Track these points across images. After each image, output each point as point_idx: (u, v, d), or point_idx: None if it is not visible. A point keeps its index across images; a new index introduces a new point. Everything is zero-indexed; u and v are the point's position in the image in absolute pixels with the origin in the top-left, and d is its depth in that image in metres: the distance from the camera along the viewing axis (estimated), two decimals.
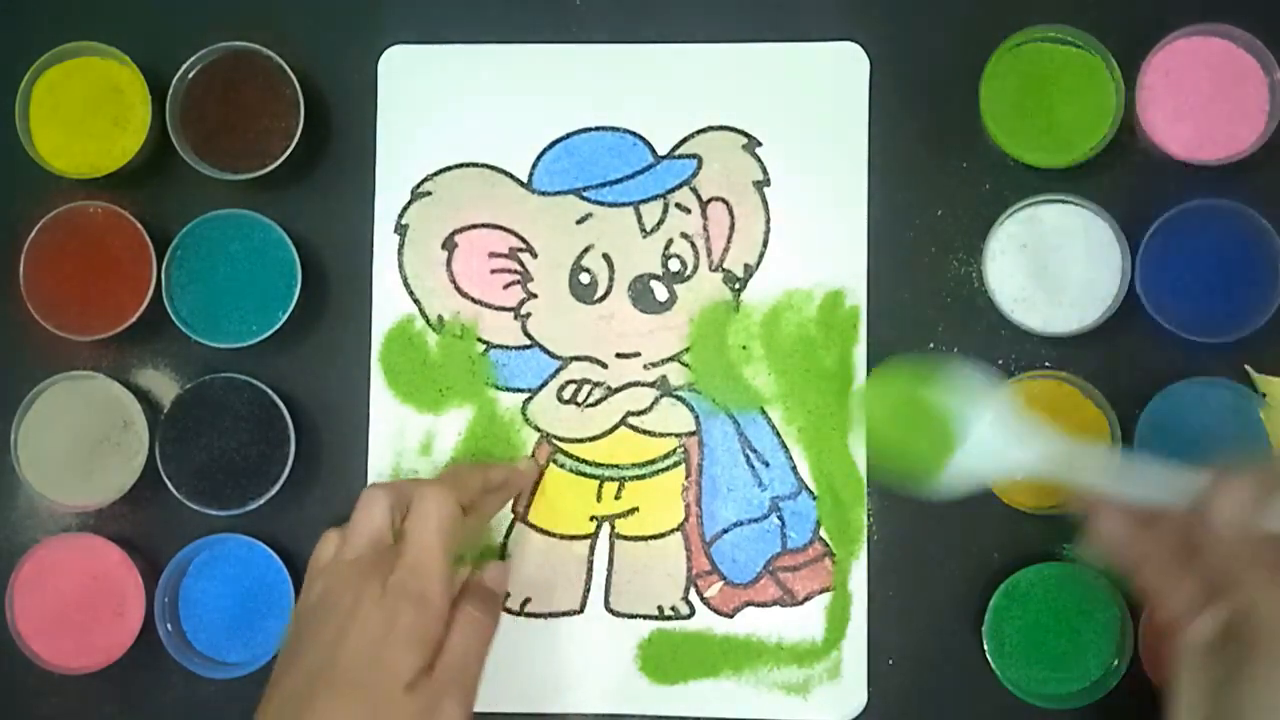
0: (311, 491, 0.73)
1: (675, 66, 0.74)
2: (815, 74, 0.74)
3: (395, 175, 0.75)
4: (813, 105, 0.74)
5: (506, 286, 0.74)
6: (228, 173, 0.72)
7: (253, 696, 0.58)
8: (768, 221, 0.73)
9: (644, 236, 0.74)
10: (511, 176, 0.74)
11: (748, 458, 0.72)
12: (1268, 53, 0.69)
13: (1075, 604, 0.69)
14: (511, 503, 0.73)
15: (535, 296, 0.74)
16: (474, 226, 0.74)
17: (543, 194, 0.74)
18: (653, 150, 0.74)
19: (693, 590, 0.72)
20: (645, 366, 0.73)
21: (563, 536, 0.73)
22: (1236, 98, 0.70)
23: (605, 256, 0.74)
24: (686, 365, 0.73)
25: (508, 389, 0.73)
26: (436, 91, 0.75)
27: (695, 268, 0.73)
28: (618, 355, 0.73)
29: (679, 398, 0.73)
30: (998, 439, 0.59)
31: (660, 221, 0.74)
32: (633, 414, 0.73)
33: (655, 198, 0.74)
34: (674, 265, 0.73)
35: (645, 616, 0.72)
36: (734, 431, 0.73)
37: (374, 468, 0.73)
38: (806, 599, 0.72)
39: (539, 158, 0.74)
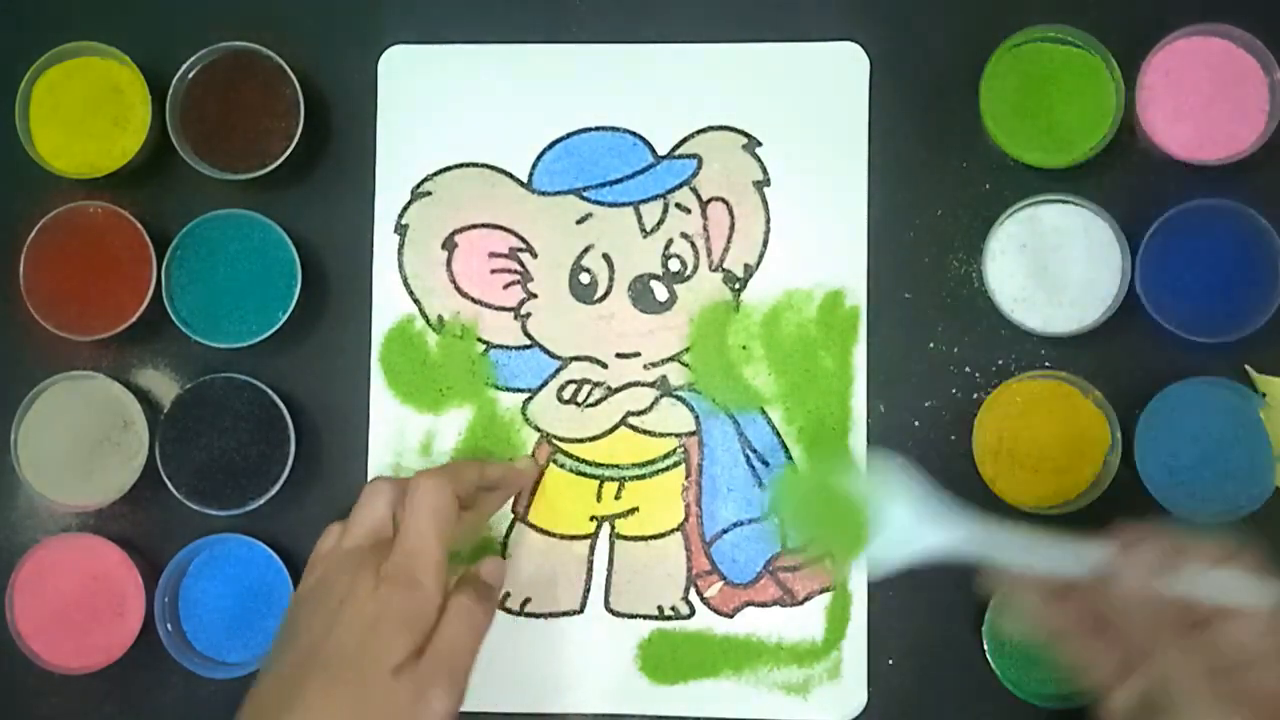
0: (311, 491, 0.73)
1: (675, 66, 0.74)
2: (815, 74, 0.74)
3: (395, 175, 0.75)
4: (813, 105, 0.74)
5: (506, 286, 0.74)
6: (228, 173, 0.72)
7: None
8: (768, 221, 0.73)
9: (644, 236, 0.74)
10: (511, 176, 0.74)
11: (748, 458, 0.72)
12: (1268, 53, 0.69)
13: None
14: (511, 503, 0.73)
15: (535, 296, 0.74)
16: (474, 226, 0.74)
17: (543, 194, 0.74)
18: (653, 150, 0.74)
19: (693, 590, 0.72)
20: (645, 366, 0.73)
21: (563, 536, 0.73)
22: (1236, 98, 0.70)
23: (605, 256, 0.74)
24: (686, 365, 0.73)
25: (508, 389, 0.73)
26: (436, 91, 0.75)
27: (695, 268, 0.73)
28: (618, 355, 0.73)
29: (679, 398, 0.73)
30: (911, 523, 0.60)
31: (660, 221, 0.74)
32: (633, 414, 0.73)
33: (655, 198, 0.74)
34: (674, 265, 0.73)
35: (645, 616, 0.72)
36: (734, 431, 0.73)
37: (374, 468, 0.73)
38: (806, 599, 0.72)
39: (539, 158, 0.74)
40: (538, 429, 0.73)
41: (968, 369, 0.72)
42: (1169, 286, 0.69)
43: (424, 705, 0.56)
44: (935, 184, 0.73)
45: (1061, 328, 0.70)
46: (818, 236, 0.73)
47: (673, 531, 0.72)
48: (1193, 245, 0.69)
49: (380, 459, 0.73)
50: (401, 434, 0.73)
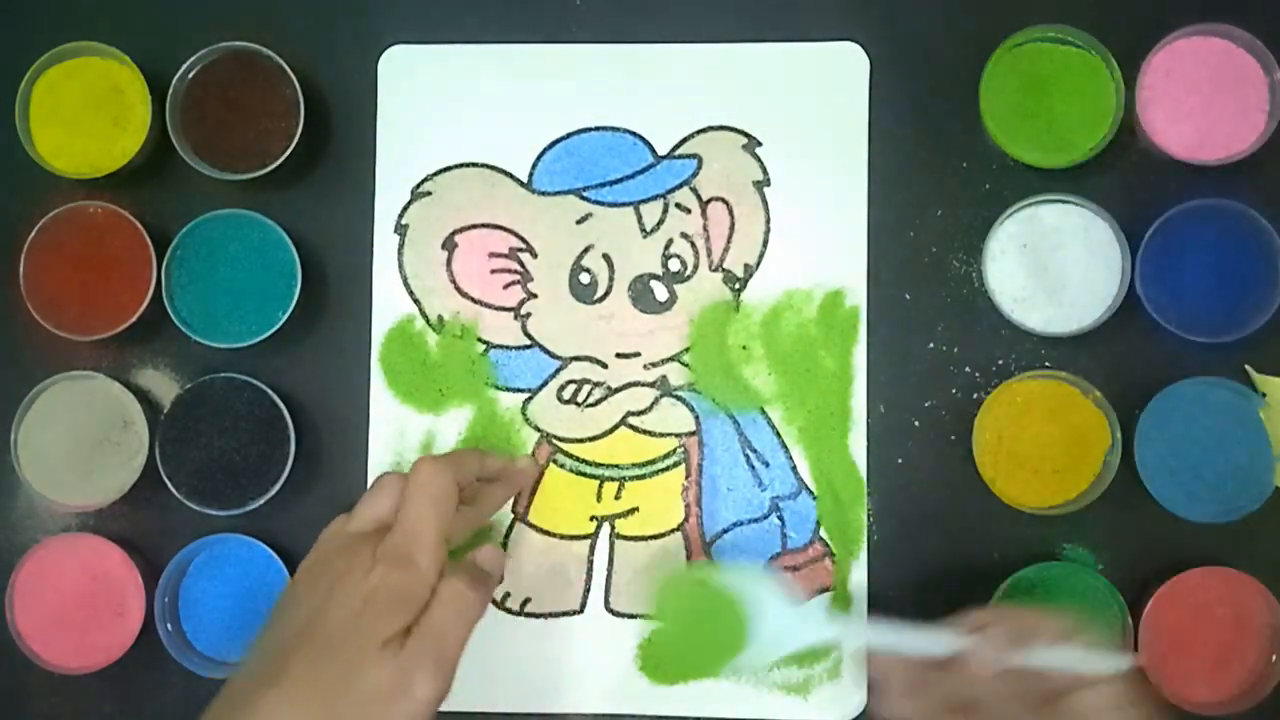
0: (311, 491, 0.73)
1: (675, 66, 0.74)
2: (815, 74, 0.74)
3: (395, 175, 0.75)
4: (813, 105, 0.74)
5: (506, 286, 0.74)
6: (228, 173, 0.72)
7: None
8: (768, 221, 0.73)
9: (644, 236, 0.74)
10: (511, 176, 0.74)
11: (748, 458, 0.72)
12: (1268, 53, 0.69)
13: (1075, 604, 0.69)
14: (511, 503, 0.73)
15: (535, 296, 0.74)
16: (474, 226, 0.74)
17: (543, 194, 0.74)
18: (653, 150, 0.74)
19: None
20: (645, 366, 0.73)
21: (563, 536, 0.73)
22: (1236, 98, 0.70)
23: (605, 256, 0.74)
24: (686, 365, 0.73)
25: (508, 389, 0.73)
26: (436, 91, 0.75)
27: (695, 268, 0.73)
28: (618, 355, 0.73)
29: (679, 398, 0.73)
30: (788, 619, 0.63)
31: (660, 221, 0.74)
32: (633, 414, 0.73)
33: (655, 198, 0.74)
34: (674, 265, 0.73)
35: (645, 616, 0.72)
36: (734, 431, 0.73)
37: (374, 468, 0.73)
38: (806, 599, 0.72)
39: (539, 158, 0.74)
40: (538, 429, 0.73)
41: (968, 369, 0.72)
42: (1169, 286, 0.69)
43: (407, 688, 0.56)
44: (935, 184, 0.73)
45: (1061, 328, 0.70)
46: (818, 236, 0.73)
47: (673, 531, 0.72)
48: (1193, 245, 0.69)
49: (380, 459, 0.73)
50: (401, 434, 0.73)
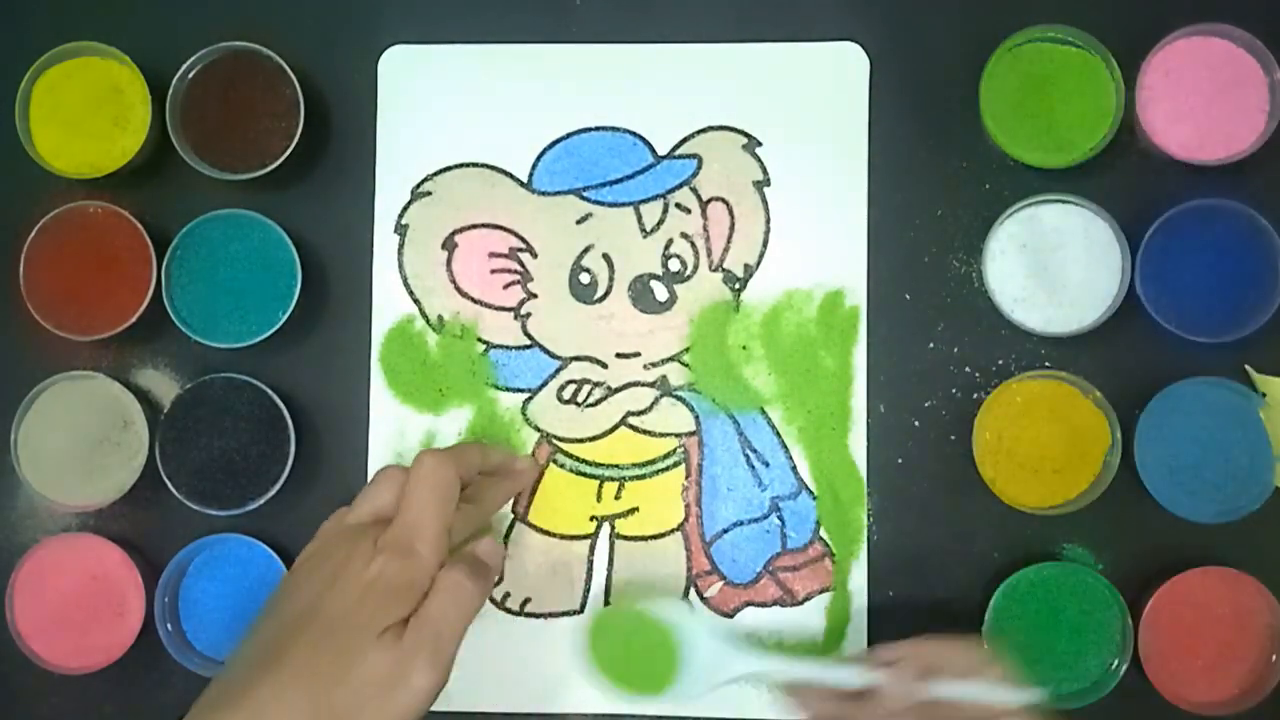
0: (311, 491, 0.73)
1: (675, 66, 0.74)
2: (815, 74, 0.74)
3: (395, 175, 0.75)
4: (813, 105, 0.74)
5: (506, 286, 0.74)
6: (228, 173, 0.72)
7: None
8: (768, 221, 0.73)
9: (644, 236, 0.74)
10: (511, 176, 0.74)
11: (748, 458, 0.72)
12: (1268, 53, 0.69)
13: (1075, 604, 0.69)
14: (511, 503, 0.73)
15: (535, 296, 0.74)
16: (474, 226, 0.74)
17: (543, 194, 0.74)
18: (653, 150, 0.74)
19: (693, 590, 0.72)
20: (645, 366, 0.73)
21: (563, 536, 0.73)
22: (1236, 98, 0.70)
23: (605, 256, 0.74)
24: (686, 365, 0.73)
25: (508, 389, 0.73)
26: (436, 91, 0.75)
27: (695, 268, 0.73)
28: (618, 355, 0.73)
29: (679, 398, 0.73)
30: (715, 655, 0.66)
31: (660, 221, 0.74)
32: (633, 414, 0.73)
33: (655, 198, 0.74)
34: (674, 265, 0.74)
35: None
36: (734, 431, 0.73)
37: (374, 468, 0.73)
38: (806, 599, 0.72)
39: (539, 158, 0.74)
40: (538, 429, 0.73)
41: (968, 369, 0.72)
42: (1169, 286, 0.69)
43: (404, 677, 0.56)
44: (935, 184, 0.73)
45: (1061, 328, 0.70)
46: (818, 236, 0.73)
47: (673, 531, 0.72)
48: (1193, 245, 0.69)
49: (380, 459, 0.73)
50: (401, 434, 0.73)
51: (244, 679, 0.56)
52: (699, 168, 0.74)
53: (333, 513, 0.64)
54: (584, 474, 0.73)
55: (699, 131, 0.74)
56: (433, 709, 0.57)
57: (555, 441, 0.73)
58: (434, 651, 0.57)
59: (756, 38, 0.74)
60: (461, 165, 0.75)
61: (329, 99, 0.75)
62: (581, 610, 0.72)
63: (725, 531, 0.72)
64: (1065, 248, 0.70)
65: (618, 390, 0.73)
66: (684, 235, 0.74)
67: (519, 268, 0.74)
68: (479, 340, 0.74)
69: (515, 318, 0.74)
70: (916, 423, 0.72)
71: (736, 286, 0.73)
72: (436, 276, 0.74)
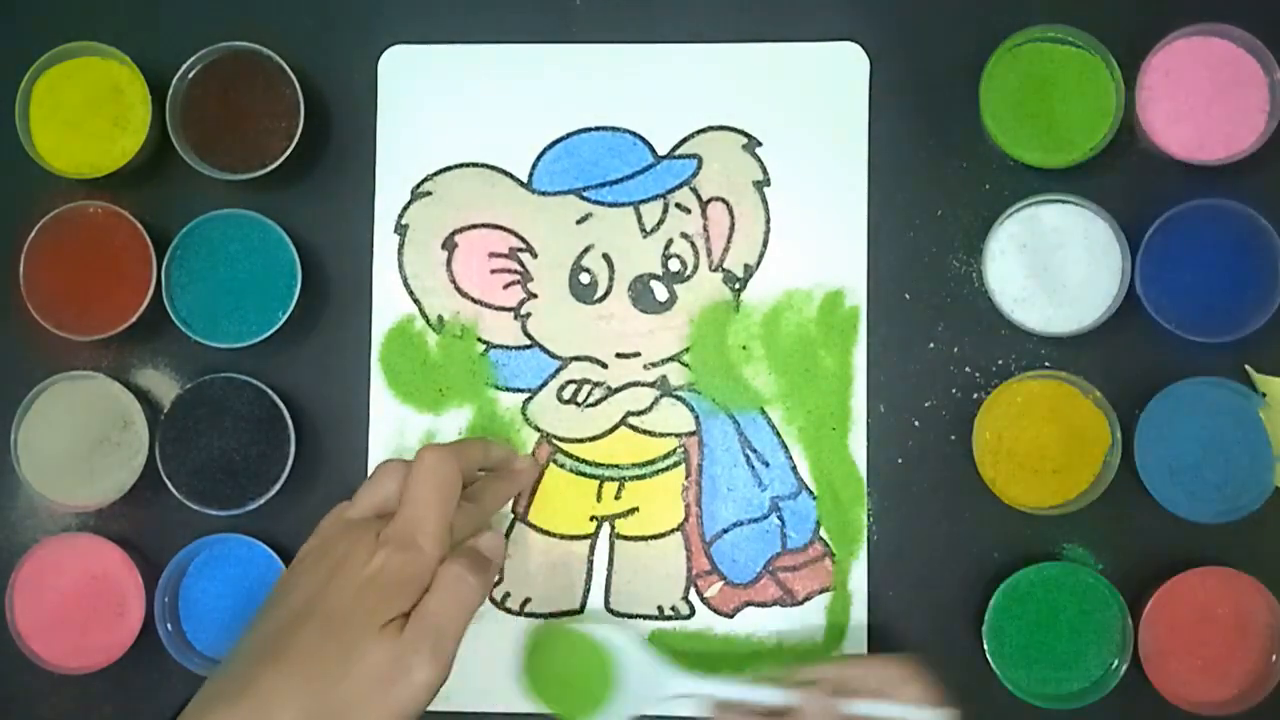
0: (312, 491, 0.73)
1: (675, 66, 0.74)
2: (815, 74, 0.74)
3: (395, 175, 0.75)
4: (813, 105, 0.74)
5: (506, 286, 0.74)
6: (228, 173, 0.72)
7: None
8: (768, 221, 0.73)
9: (644, 236, 0.74)
10: (511, 176, 0.74)
11: (748, 458, 0.72)
12: (1268, 53, 0.69)
13: (1075, 604, 0.69)
14: (511, 503, 0.73)
15: (535, 296, 0.74)
16: (474, 226, 0.74)
17: (543, 194, 0.74)
18: (653, 150, 0.74)
19: (693, 590, 0.72)
20: (645, 366, 0.73)
21: (563, 536, 0.73)
22: (1236, 98, 0.70)
23: (605, 256, 0.74)
24: (686, 365, 0.73)
25: (508, 389, 0.73)
26: (436, 91, 0.75)
27: (695, 268, 0.73)
28: (618, 355, 0.73)
29: (679, 398, 0.73)
30: (649, 677, 0.67)
31: (660, 221, 0.74)
32: (633, 414, 0.73)
33: (655, 198, 0.74)
34: (674, 265, 0.74)
35: (645, 616, 0.72)
36: (734, 431, 0.73)
37: (374, 468, 0.73)
38: (806, 599, 0.72)
39: (539, 158, 0.74)
40: (538, 429, 0.73)
41: (968, 369, 0.72)
42: (1169, 286, 0.69)
43: (406, 671, 0.56)
44: (935, 184, 0.73)
45: (1061, 328, 0.70)
46: (818, 236, 0.73)
47: (673, 531, 0.72)
48: (1193, 245, 0.69)
49: (380, 459, 0.73)
50: (401, 434, 0.73)
51: (244, 673, 0.56)
52: (699, 168, 0.74)
53: (332, 508, 0.64)
54: (584, 474, 0.73)
55: (699, 131, 0.74)
56: (432, 708, 0.57)
57: (555, 441, 0.73)
58: (435, 646, 0.57)
59: (756, 38, 0.74)
60: (461, 165, 0.75)
61: (329, 99, 0.75)
62: (581, 610, 0.72)
63: (725, 531, 0.72)
64: (1065, 248, 0.70)
65: (618, 390, 0.73)
66: (684, 235, 0.74)
67: (519, 268, 0.74)
68: (479, 340, 0.74)
69: (515, 318, 0.74)
70: (916, 423, 0.72)
71: (736, 286, 0.73)
72: (436, 276, 0.74)
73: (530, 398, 0.73)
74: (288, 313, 0.71)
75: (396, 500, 0.62)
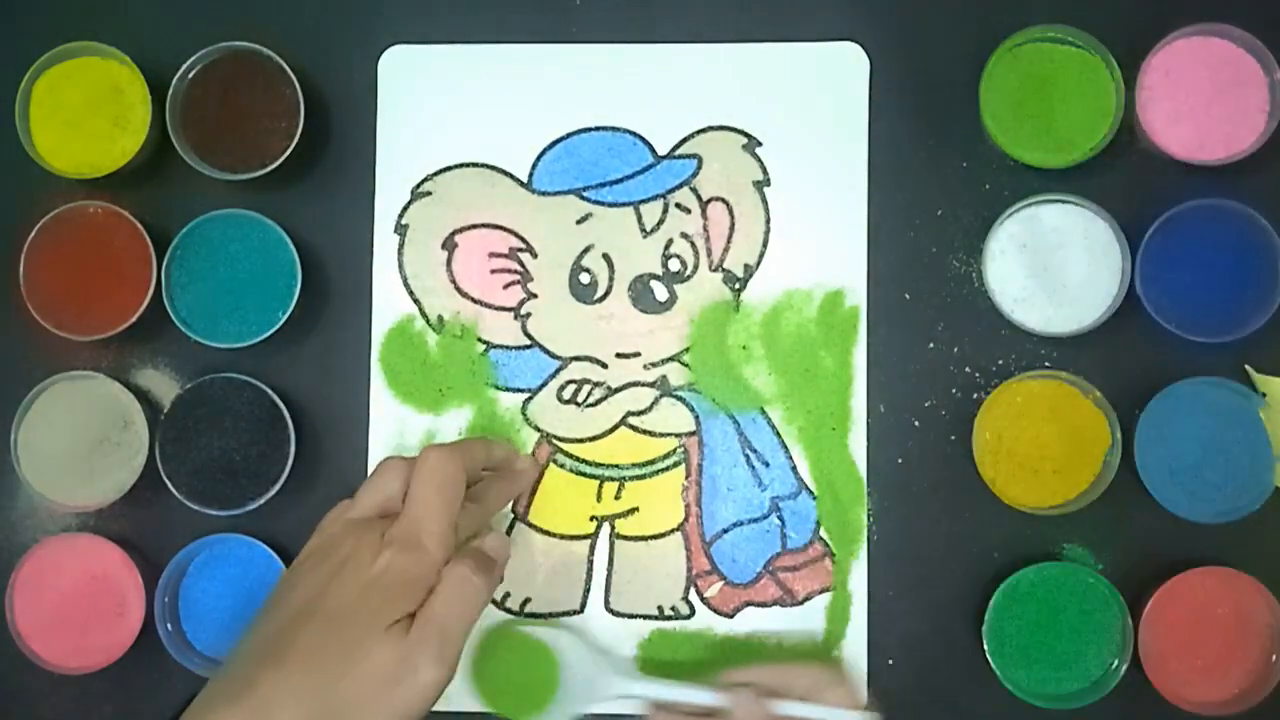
0: (312, 491, 0.73)
1: (675, 66, 0.74)
2: (815, 74, 0.74)
3: (395, 175, 0.75)
4: (813, 105, 0.74)
5: (506, 286, 0.74)
6: (228, 173, 0.72)
7: None
8: (768, 221, 0.73)
9: (644, 236, 0.74)
10: (511, 176, 0.74)
11: (748, 458, 0.72)
12: (1268, 53, 0.69)
13: (1075, 604, 0.69)
14: (511, 503, 0.73)
15: (535, 296, 0.74)
16: (474, 226, 0.74)
17: (543, 194, 0.74)
18: (653, 150, 0.74)
19: (693, 590, 0.72)
20: (645, 366, 0.73)
21: (563, 536, 0.73)
22: (1236, 98, 0.70)
23: (605, 256, 0.74)
24: (686, 365, 0.73)
25: (508, 389, 0.73)
26: (436, 91, 0.75)
27: (695, 268, 0.73)
28: (618, 355, 0.73)
29: (679, 398, 0.73)
30: (593, 676, 0.68)
31: (660, 221, 0.74)
32: (633, 414, 0.73)
33: (655, 198, 0.74)
34: (674, 265, 0.74)
35: (645, 616, 0.72)
36: (734, 431, 0.73)
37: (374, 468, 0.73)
38: (806, 599, 0.72)
39: (539, 158, 0.74)
40: (538, 429, 0.73)
41: (968, 369, 0.72)
42: (1169, 286, 0.69)
43: (411, 672, 0.56)
44: (935, 184, 0.73)
45: (1061, 328, 0.70)
46: (818, 236, 0.73)
47: (673, 531, 0.72)
48: (1193, 245, 0.69)
49: (380, 459, 0.73)
50: (401, 434, 0.73)
51: (246, 673, 0.56)
52: (699, 168, 0.74)
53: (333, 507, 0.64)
54: (584, 474, 0.73)
55: (699, 131, 0.74)
56: (432, 708, 0.57)
57: (555, 441, 0.73)
58: (440, 646, 0.57)
59: (756, 38, 0.74)
60: (461, 165, 0.75)
61: (329, 99, 0.75)
62: (581, 610, 0.72)
63: (725, 531, 0.72)
64: (1065, 248, 0.70)
65: (618, 390, 0.73)
66: (684, 235, 0.74)
67: (519, 268, 0.74)
68: (479, 340, 0.74)
69: (515, 318, 0.74)
70: (916, 423, 0.72)
71: (736, 286, 0.73)
72: (436, 276, 0.74)
73: (530, 398, 0.73)
74: (288, 313, 0.71)
75: (399, 499, 0.62)
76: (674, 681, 0.67)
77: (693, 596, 0.72)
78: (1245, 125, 0.70)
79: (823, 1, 0.74)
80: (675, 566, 0.72)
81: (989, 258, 0.71)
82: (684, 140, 0.74)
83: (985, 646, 0.69)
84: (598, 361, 0.73)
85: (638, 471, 0.73)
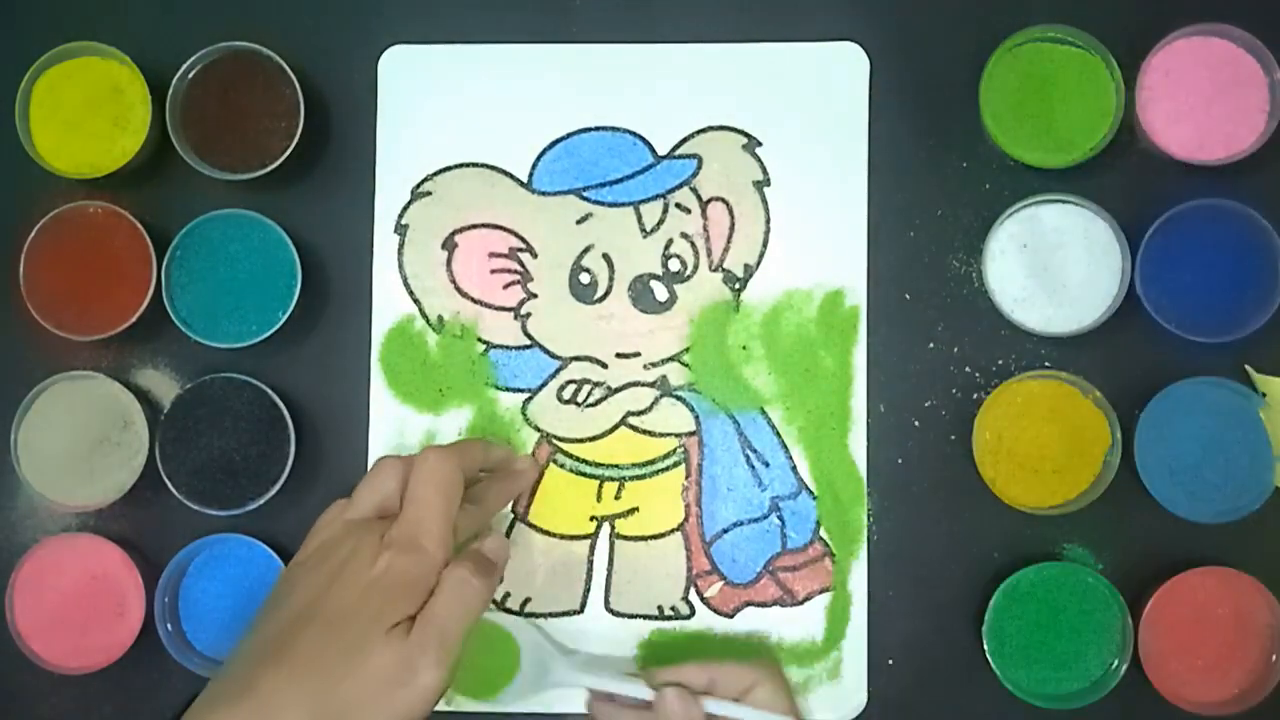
0: (312, 491, 0.73)
1: (675, 66, 0.74)
2: (815, 74, 0.74)
3: (395, 175, 0.75)
4: (813, 105, 0.74)
5: (506, 286, 0.74)
6: (228, 173, 0.72)
7: None
8: (768, 221, 0.73)
9: (644, 236, 0.74)
10: (511, 176, 0.74)
11: (748, 458, 0.72)
12: (1268, 53, 0.69)
13: (1075, 604, 0.69)
14: (511, 503, 0.73)
15: (535, 296, 0.74)
16: (474, 226, 0.74)
17: (543, 194, 0.74)
18: (653, 150, 0.74)
19: (693, 590, 0.72)
20: (645, 366, 0.73)
21: (563, 536, 0.73)
22: (1236, 98, 0.70)
23: (605, 256, 0.74)
24: (686, 365, 0.73)
25: (508, 389, 0.73)
26: (436, 91, 0.75)
27: (695, 268, 0.73)
28: (618, 355, 0.73)
29: (679, 398, 0.73)
30: (547, 661, 0.69)
31: (660, 221, 0.74)
32: (633, 414, 0.73)
33: (655, 198, 0.74)
34: (674, 265, 0.74)
35: (645, 616, 0.72)
36: (734, 431, 0.73)
37: None
38: (806, 599, 0.72)
39: (539, 158, 0.74)
40: (538, 429, 0.73)
41: (968, 369, 0.72)
42: (1169, 286, 0.69)
43: (411, 674, 0.56)
44: (935, 184, 0.73)
45: (1061, 328, 0.70)
46: (818, 236, 0.73)
47: (673, 531, 0.72)
48: (1193, 245, 0.69)
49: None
50: (401, 434, 0.73)
51: (247, 674, 0.56)
52: (699, 168, 0.74)
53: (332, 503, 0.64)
54: (584, 474, 0.73)
55: (699, 131, 0.74)
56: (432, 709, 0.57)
57: (555, 441, 0.73)
58: (441, 649, 0.57)
59: (756, 38, 0.74)
60: (461, 165, 0.75)
61: (329, 99, 0.75)
62: (581, 610, 0.72)
63: (725, 531, 0.72)
64: (1065, 248, 0.71)
65: (618, 390, 0.73)
66: (684, 235, 0.74)
67: (519, 268, 0.74)
68: (479, 340, 0.74)
69: (515, 318, 0.74)
70: (916, 423, 0.72)
71: (736, 286, 0.73)
72: (436, 276, 0.74)
73: (530, 398, 0.73)
74: (288, 313, 0.71)
75: (396, 498, 0.62)
76: (613, 674, 0.67)
77: (693, 596, 0.72)
78: (1245, 125, 0.70)
79: (823, 1, 0.74)
80: (675, 566, 0.72)
81: (989, 258, 0.71)
82: (684, 140, 0.74)
83: (985, 646, 0.69)
84: (598, 361, 0.73)
85: (638, 471, 0.73)
